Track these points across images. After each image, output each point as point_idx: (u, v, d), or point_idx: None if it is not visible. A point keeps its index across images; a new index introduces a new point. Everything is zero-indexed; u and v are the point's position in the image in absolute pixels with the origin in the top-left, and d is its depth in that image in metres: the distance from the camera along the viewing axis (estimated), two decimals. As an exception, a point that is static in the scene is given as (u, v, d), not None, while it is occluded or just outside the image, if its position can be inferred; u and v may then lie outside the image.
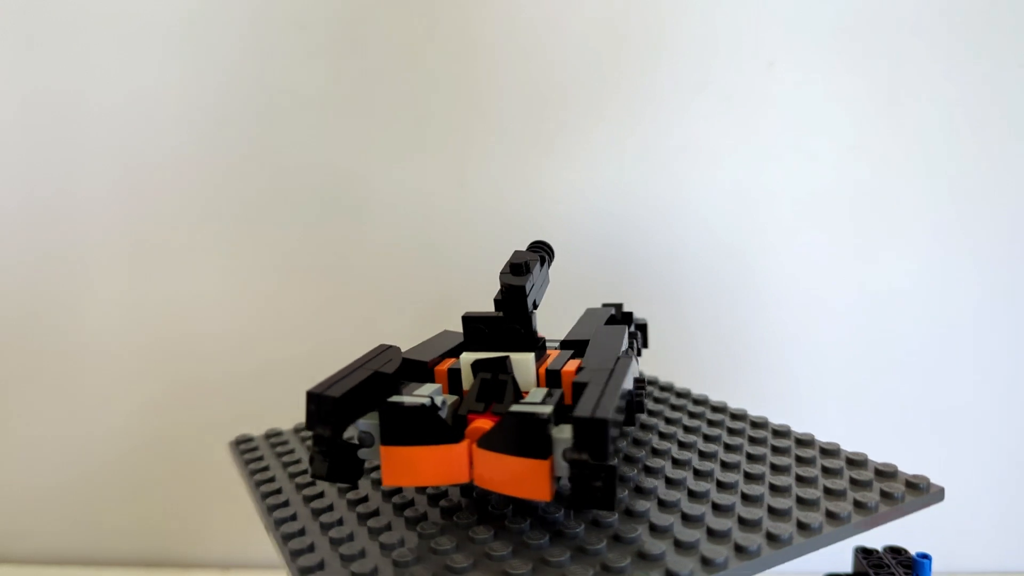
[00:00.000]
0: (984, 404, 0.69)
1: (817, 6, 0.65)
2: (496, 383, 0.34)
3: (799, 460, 0.41)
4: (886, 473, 0.40)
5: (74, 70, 0.67)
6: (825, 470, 0.40)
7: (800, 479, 0.39)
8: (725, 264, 0.68)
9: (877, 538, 0.46)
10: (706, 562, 0.31)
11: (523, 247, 0.68)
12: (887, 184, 0.67)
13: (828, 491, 0.38)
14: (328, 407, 0.31)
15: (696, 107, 0.67)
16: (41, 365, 0.72)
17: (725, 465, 0.41)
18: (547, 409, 0.30)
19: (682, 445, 0.44)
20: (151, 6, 0.67)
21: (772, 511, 0.35)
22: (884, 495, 0.37)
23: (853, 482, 0.39)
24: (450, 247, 0.69)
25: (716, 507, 0.36)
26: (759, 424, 0.47)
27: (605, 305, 0.50)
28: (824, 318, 0.69)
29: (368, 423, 0.33)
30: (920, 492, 0.38)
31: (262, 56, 0.67)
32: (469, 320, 0.37)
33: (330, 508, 0.38)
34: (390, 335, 0.70)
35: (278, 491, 0.41)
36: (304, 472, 0.43)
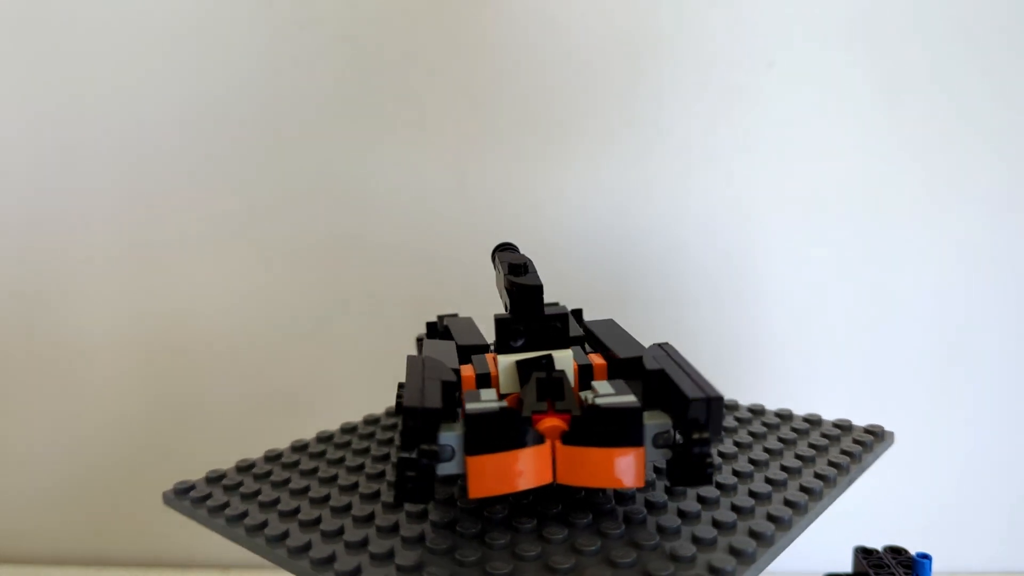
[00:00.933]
0: (985, 404, 0.69)
1: (817, 6, 0.65)
2: (551, 382, 0.33)
3: (761, 433, 0.43)
4: (844, 427, 0.43)
5: (73, 69, 0.67)
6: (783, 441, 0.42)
7: (769, 451, 0.40)
8: (725, 265, 0.68)
9: (877, 538, 0.46)
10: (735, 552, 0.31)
11: (523, 247, 0.68)
12: (887, 184, 0.67)
13: (801, 458, 0.39)
14: (433, 420, 0.30)
15: (696, 107, 0.67)
16: (41, 365, 0.72)
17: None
18: (633, 398, 0.31)
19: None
20: (153, 7, 0.67)
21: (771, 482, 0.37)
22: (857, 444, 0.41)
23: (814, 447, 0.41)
24: (450, 247, 0.69)
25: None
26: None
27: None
28: (825, 319, 0.69)
29: (448, 435, 0.31)
30: (879, 438, 0.43)
31: (262, 56, 0.67)
32: (505, 322, 0.36)
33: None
34: (390, 335, 0.70)
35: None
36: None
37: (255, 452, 0.49)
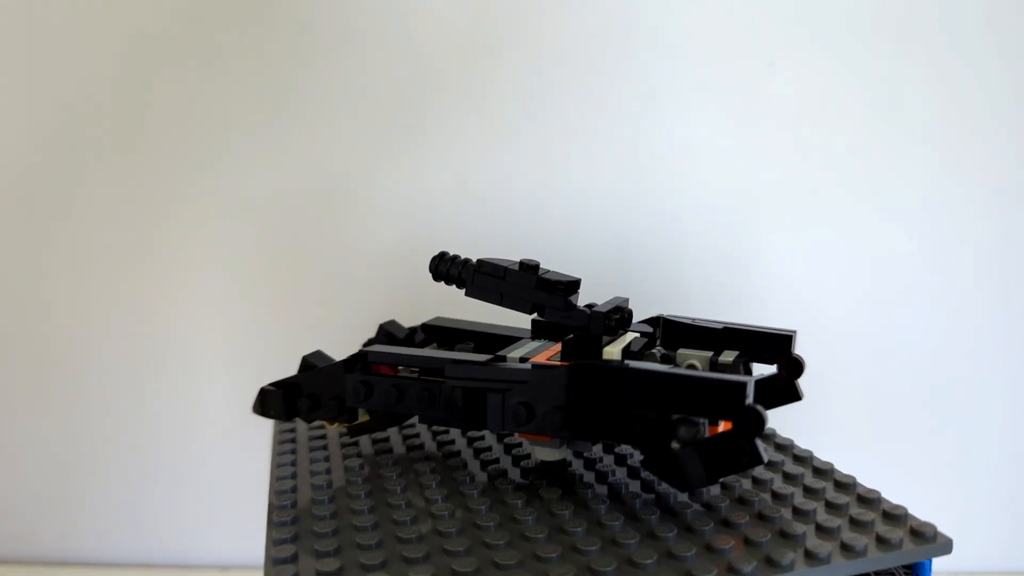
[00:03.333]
0: (987, 403, 0.69)
1: (817, 6, 0.65)
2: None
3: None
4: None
5: (72, 69, 0.67)
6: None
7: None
8: (725, 265, 0.68)
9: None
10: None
11: (523, 247, 0.68)
12: (888, 184, 0.67)
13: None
14: None
15: (696, 107, 0.66)
16: (40, 365, 0.71)
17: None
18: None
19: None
20: (149, 5, 0.66)
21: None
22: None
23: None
24: (450, 247, 0.69)
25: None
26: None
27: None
28: (826, 319, 0.69)
29: None
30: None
31: (262, 56, 0.67)
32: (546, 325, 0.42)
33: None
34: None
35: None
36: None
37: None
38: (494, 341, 0.45)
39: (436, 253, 0.43)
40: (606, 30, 0.66)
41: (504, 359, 0.39)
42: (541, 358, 0.39)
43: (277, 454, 0.45)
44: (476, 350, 0.45)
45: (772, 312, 0.68)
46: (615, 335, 0.40)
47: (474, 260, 0.41)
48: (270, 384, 0.42)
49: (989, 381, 0.69)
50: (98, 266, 0.70)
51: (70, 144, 0.68)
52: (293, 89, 0.68)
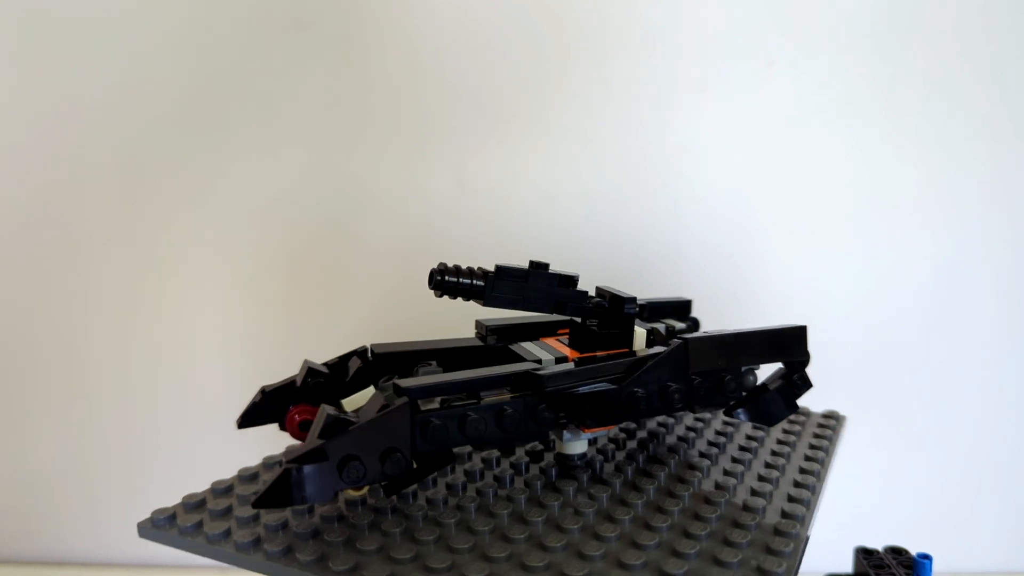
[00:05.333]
0: (987, 403, 0.69)
1: (818, 6, 0.65)
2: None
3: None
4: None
5: (71, 68, 0.67)
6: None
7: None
8: (725, 265, 0.68)
9: (878, 539, 0.46)
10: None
11: (522, 247, 0.68)
12: (888, 184, 0.67)
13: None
14: None
15: (696, 107, 0.67)
16: (40, 366, 0.71)
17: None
18: None
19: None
20: (150, 5, 0.66)
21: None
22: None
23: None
24: (450, 247, 0.69)
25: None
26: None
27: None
28: (826, 319, 0.68)
29: None
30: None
31: (261, 56, 0.67)
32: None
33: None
34: (391, 336, 0.70)
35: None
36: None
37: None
38: (454, 355, 0.43)
39: (435, 267, 0.38)
40: (606, 30, 0.66)
41: (583, 360, 0.40)
42: (564, 350, 0.42)
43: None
44: (442, 366, 0.42)
45: (772, 311, 0.68)
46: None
47: (477, 268, 0.39)
48: (289, 461, 0.32)
49: (991, 381, 0.69)
50: (98, 266, 0.70)
51: (71, 144, 0.68)
52: (293, 89, 0.68)
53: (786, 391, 0.42)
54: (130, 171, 0.68)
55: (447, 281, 0.38)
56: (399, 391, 0.34)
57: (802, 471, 0.41)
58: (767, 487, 0.38)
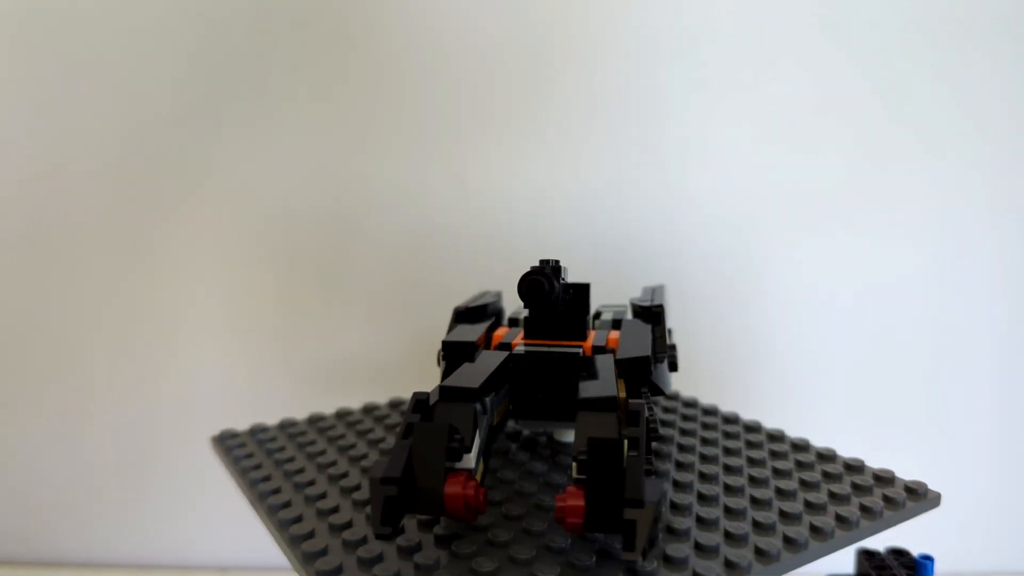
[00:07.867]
0: (987, 404, 0.70)
1: (819, 6, 0.65)
2: None
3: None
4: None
5: (70, 67, 0.65)
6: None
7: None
8: (726, 265, 0.68)
9: (879, 540, 0.47)
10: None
11: (522, 247, 0.68)
12: (888, 183, 0.67)
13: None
14: None
15: (696, 106, 0.67)
16: (40, 366, 0.70)
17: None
18: None
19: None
20: (150, 4, 0.65)
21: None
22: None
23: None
24: (450, 247, 0.68)
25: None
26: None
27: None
28: (826, 319, 0.69)
29: None
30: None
31: (261, 55, 0.66)
32: None
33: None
34: (391, 336, 0.69)
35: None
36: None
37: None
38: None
39: (530, 280, 0.37)
40: (607, 30, 0.66)
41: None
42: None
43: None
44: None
45: (772, 311, 0.69)
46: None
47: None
48: (383, 477, 0.29)
49: (992, 381, 0.70)
50: (97, 266, 0.68)
51: (70, 144, 0.66)
52: (293, 88, 0.66)
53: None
54: (130, 170, 0.67)
55: (551, 291, 0.38)
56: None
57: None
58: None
